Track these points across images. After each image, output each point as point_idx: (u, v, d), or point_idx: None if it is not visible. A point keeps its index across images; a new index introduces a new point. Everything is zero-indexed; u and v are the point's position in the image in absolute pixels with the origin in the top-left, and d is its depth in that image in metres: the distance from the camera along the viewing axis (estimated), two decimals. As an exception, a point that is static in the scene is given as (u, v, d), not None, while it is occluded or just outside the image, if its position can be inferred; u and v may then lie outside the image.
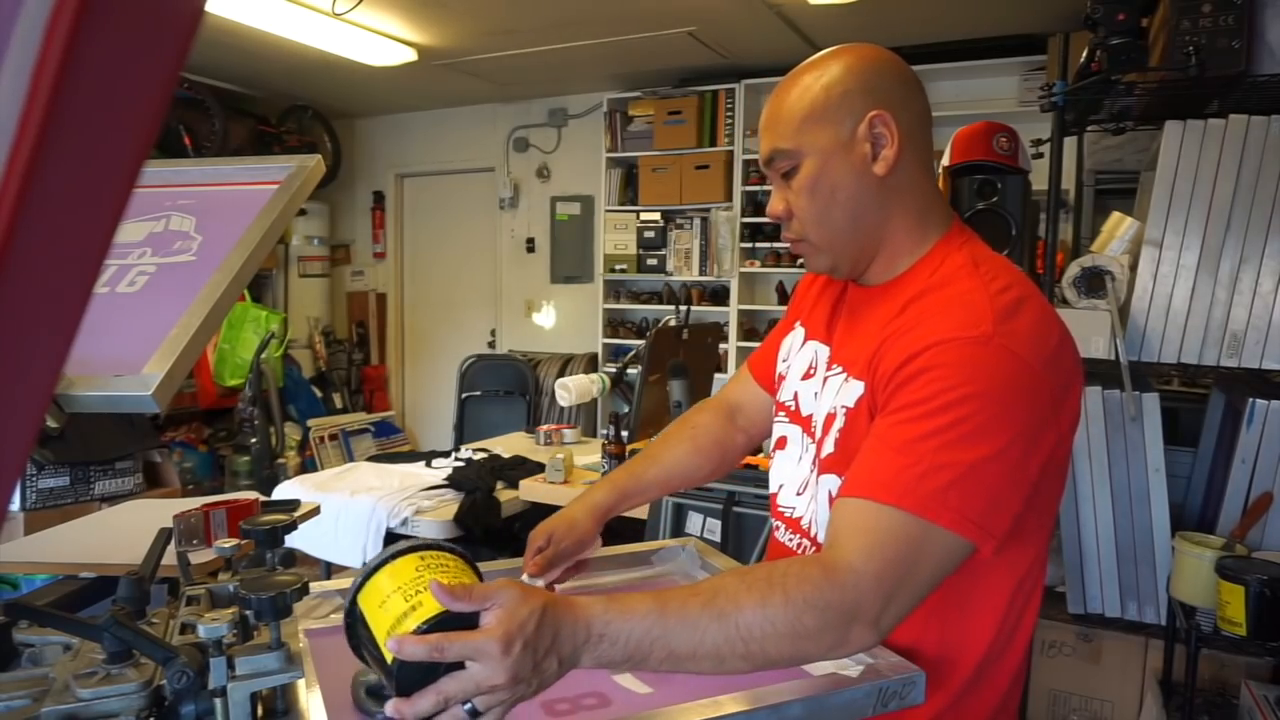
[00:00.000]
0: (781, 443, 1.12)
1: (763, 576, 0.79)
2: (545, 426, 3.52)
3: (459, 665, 0.67)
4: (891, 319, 0.94)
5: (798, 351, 1.13)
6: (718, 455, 1.28)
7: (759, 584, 0.78)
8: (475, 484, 2.70)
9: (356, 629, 0.73)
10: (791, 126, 0.95)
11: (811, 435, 1.05)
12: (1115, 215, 2.06)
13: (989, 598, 0.94)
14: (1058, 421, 0.87)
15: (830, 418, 0.99)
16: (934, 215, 1.00)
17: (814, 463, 1.03)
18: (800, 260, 1.07)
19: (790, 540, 1.08)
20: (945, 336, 0.85)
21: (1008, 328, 0.84)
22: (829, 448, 0.98)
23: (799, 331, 1.15)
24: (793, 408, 1.10)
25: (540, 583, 1.08)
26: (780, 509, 1.11)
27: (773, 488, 1.14)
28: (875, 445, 0.86)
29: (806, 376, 1.09)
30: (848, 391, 0.97)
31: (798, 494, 1.07)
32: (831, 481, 0.98)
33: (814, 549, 1.02)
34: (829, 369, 1.04)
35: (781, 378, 1.15)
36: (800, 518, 1.06)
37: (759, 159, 1.01)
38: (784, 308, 5.11)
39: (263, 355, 4.25)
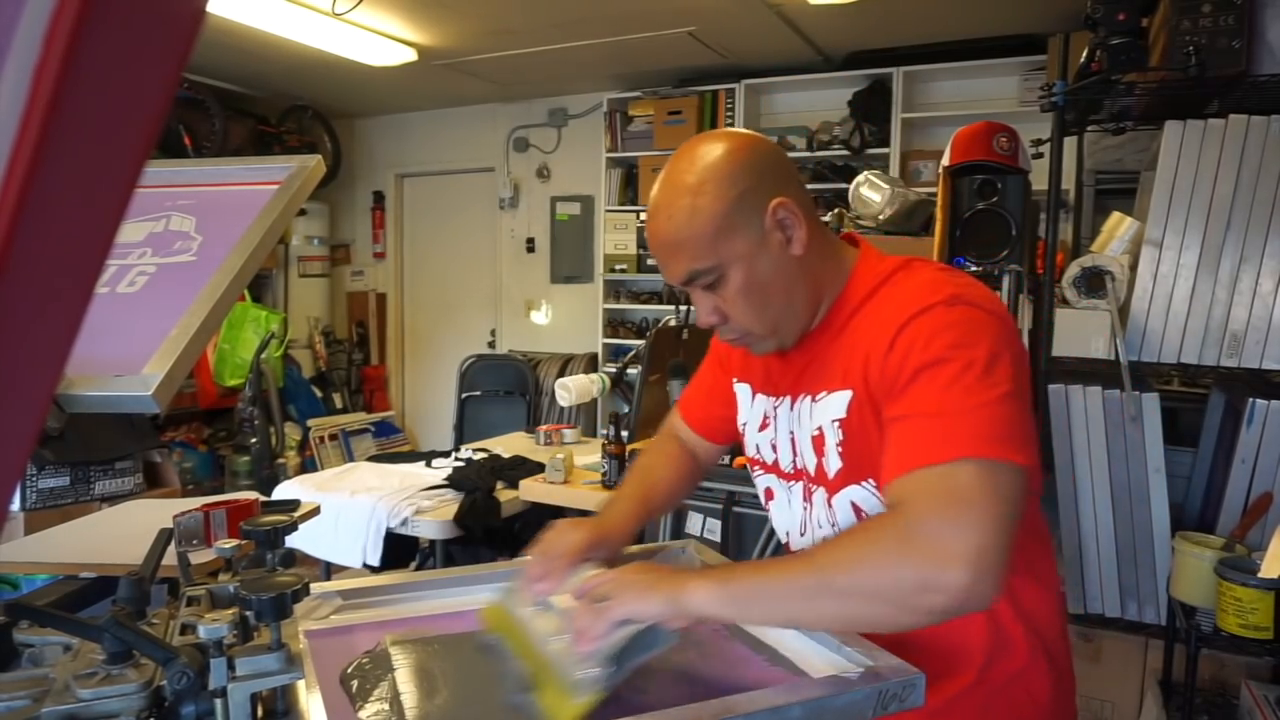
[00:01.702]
0: (769, 494, 1.16)
1: (844, 533, 0.86)
2: (545, 426, 3.52)
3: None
4: (841, 331, 1.01)
5: (750, 407, 1.16)
6: (690, 484, 1.33)
7: (842, 537, 0.86)
8: (475, 484, 2.70)
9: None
10: (703, 244, 0.95)
11: (791, 478, 1.09)
12: (1115, 215, 2.07)
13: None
14: (1026, 360, 0.94)
15: (818, 439, 1.02)
16: (838, 251, 1.05)
17: (806, 497, 1.07)
18: None
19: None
20: (918, 308, 0.91)
21: (962, 291, 0.93)
22: (835, 464, 1.00)
23: (743, 388, 1.18)
24: (763, 460, 1.15)
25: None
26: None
27: (782, 538, 1.17)
28: (905, 422, 0.89)
29: (763, 428, 1.13)
30: (830, 406, 1.00)
31: (801, 535, 1.11)
32: (854, 492, 1.00)
33: None
34: (790, 403, 1.07)
35: (742, 433, 1.19)
36: None
37: (670, 281, 1.02)
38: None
39: (263, 355, 4.25)
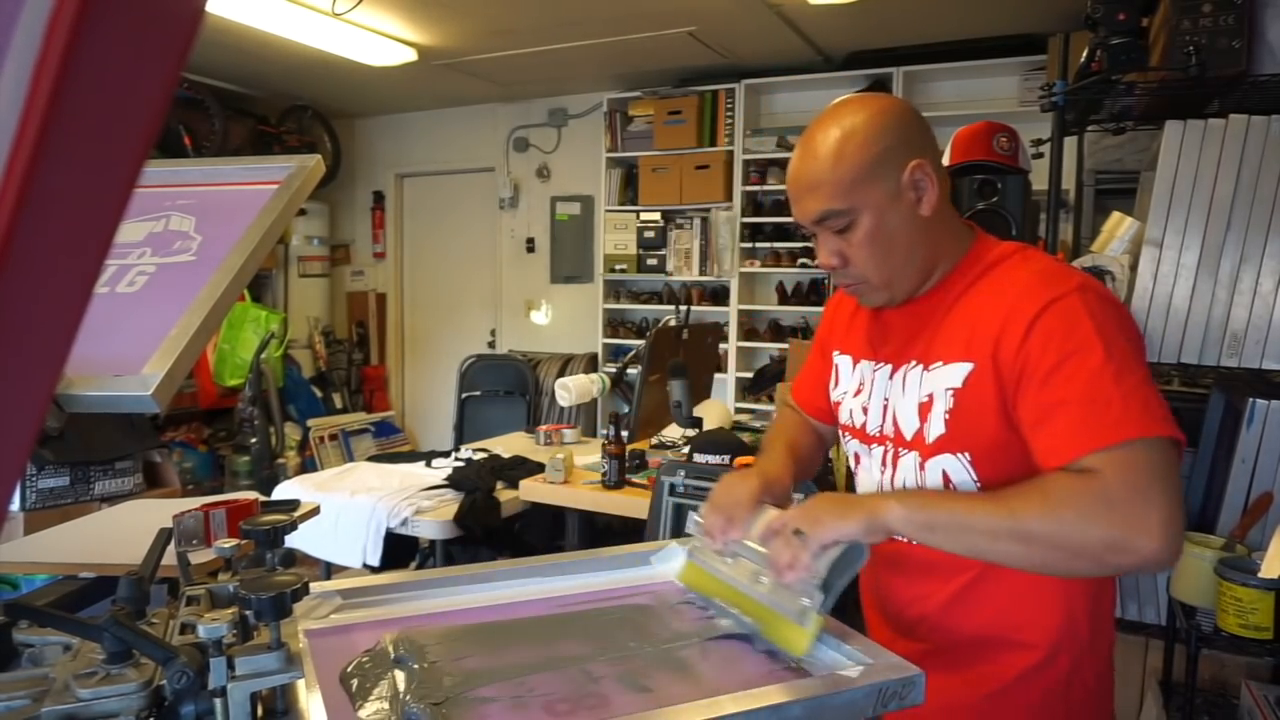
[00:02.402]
0: (857, 459, 1.21)
1: (1031, 485, 0.92)
2: (545, 426, 3.52)
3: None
4: (955, 303, 1.06)
5: (850, 376, 1.21)
6: (820, 456, 1.38)
7: (1028, 487, 0.92)
8: (475, 484, 2.70)
9: None
10: (842, 187, 1.01)
11: (874, 440, 1.15)
12: (1115, 215, 2.06)
13: None
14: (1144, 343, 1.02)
15: (925, 405, 1.06)
16: (961, 228, 1.12)
17: (886, 461, 1.13)
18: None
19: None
20: (1052, 296, 0.96)
21: (1088, 280, 0.99)
22: (938, 430, 1.04)
23: (844, 359, 1.23)
24: (853, 424, 1.19)
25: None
26: None
27: None
28: (1061, 407, 0.93)
29: (857, 393, 1.18)
30: (947, 375, 1.04)
31: None
32: (948, 461, 1.04)
33: None
34: (891, 368, 1.12)
35: (838, 404, 1.24)
36: None
37: (800, 219, 1.07)
38: (785, 308, 5.06)
39: (263, 355, 4.25)
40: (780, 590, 0.94)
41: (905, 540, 1.07)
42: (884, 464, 1.13)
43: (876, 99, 1.07)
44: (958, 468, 1.04)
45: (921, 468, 1.07)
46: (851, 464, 1.23)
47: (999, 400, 0.99)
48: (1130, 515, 0.86)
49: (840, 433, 1.26)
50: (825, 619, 0.90)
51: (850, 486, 1.27)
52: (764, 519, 1.02)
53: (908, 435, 1.09)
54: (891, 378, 1.12)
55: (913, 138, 1.04)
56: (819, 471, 1.42)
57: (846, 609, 1.12)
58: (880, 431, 1.14)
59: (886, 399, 1.12)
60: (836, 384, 1.24)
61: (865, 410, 1.16)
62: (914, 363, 1.09)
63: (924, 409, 1.06)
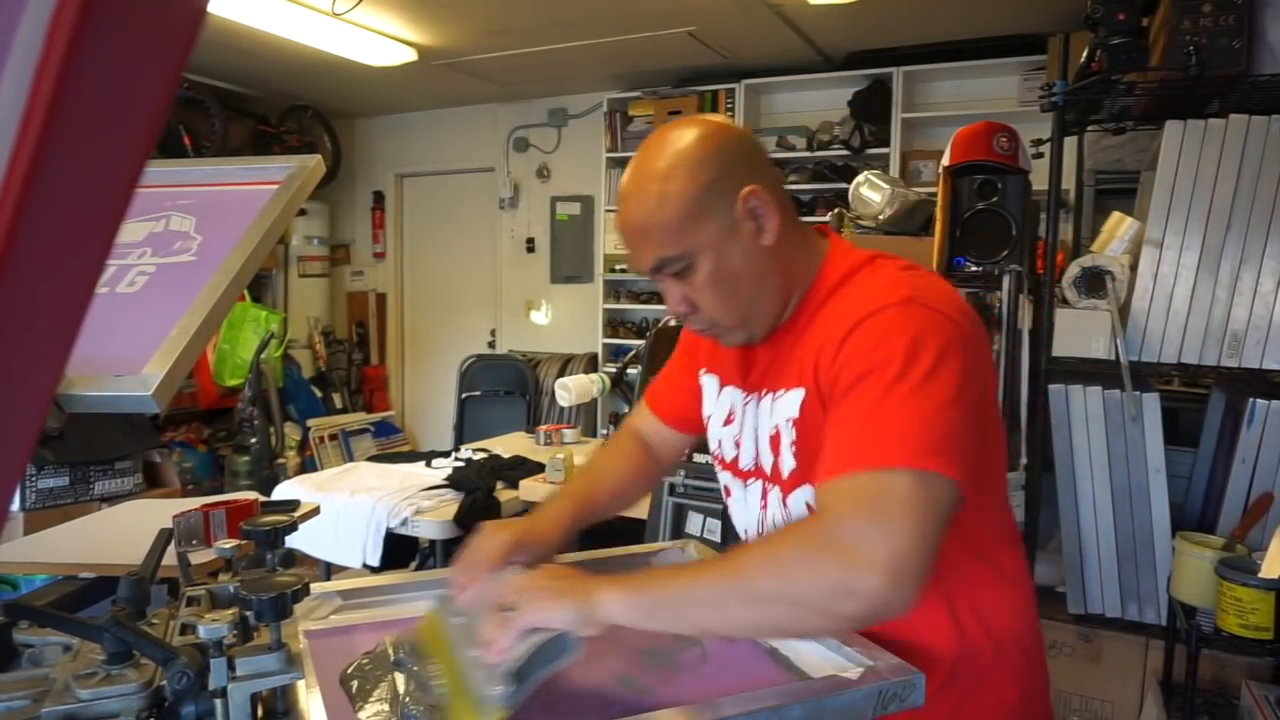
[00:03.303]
0: (728, 492, 1.14)
1: (763, 538, 0.85)
2: (545, 426, 3.52)
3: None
4: (805, 328, 0.98)
5: (716, 399, 1.14)
6: (643, 484, 1.31)
7: (758, 542, 0.85)
8: (475, 484, 2.70)
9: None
10: (671, 232, 0.94)
11: (747, 476, 1.08)
12: (1115, 215, 2.06)
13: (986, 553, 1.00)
14: (986, 365, 0.93)
15: (775, 439, 1.00)
16: (810, 243, 1.03)
17: (763, 497, 1.05)
18: None
19: None
20: (870, 309, 0.89)
21: (921, 292, 0.91)
22: (789, 464, 0.99)
23: (710, 379, 1.16)
24: (725, 457, 1.12)
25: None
26: None
27: (742, 536, 1.14)
28: (841, 425, 0.87)
29: (727, 423, 1.11)
30: (786, 405, 0.98)
31: (759, 534, 1.09)
32: (809, 493, 0.98)
33: None
34: (756, 399, 1.05)
35: (707, 425, 1.17)
36: None
37: (637, 270, 1.00)
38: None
39: (263, 355, 4.25)
40: (480, 668, 0.83)
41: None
42: (762, 501, 1.06)
43: (695, 126, 0.96)
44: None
45: (784, 504, 1.01)
46: (724, 496, 1.16)
47: (827, 422, 0.91)
48: (852, 552, 0.77)
49: (712, 462, 1.17)
50: (509, 712, 0.78)
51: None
52: (497, 584, 0.91)
53: (768, 470, 1.02)
54: (757, 405, 1.04)
55: (738, 164, 0.95)
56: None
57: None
58: (754, 465, 1.06)
59: (756, 430, 1.04)
60: (704, 404, 1.17)
61: (737, 444, 1.08)
62: (765, 391, 1.02)
63: (774, 441, 1.00)
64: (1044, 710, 1.07)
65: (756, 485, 1.07)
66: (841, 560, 0.78)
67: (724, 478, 1.14)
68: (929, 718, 0.95)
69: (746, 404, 1.07)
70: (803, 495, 0.99)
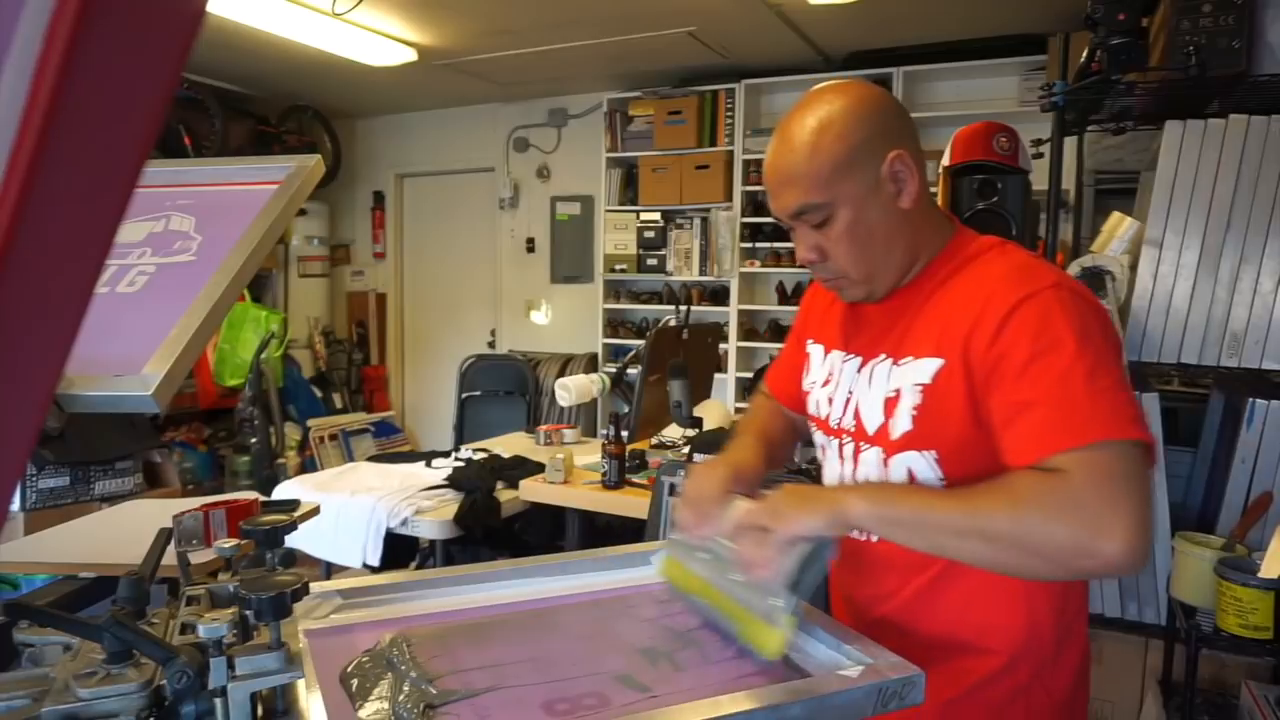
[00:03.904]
0: (823, 450, 1.20)
1: (996, 484, 0.89)
2: (545, 426, 3.52)
3: None
4: (930, 296, 1.04)
5: (820, 365, 1.19)
6: (794, 443, 1.37)
7: (991, 486, 0.89)
8: (475, 484, 2.70)
9: None
10: (820, 180, 0.99)
11: (834, 433, 1.13)
12: (1115, 215, 2.06)
13: None
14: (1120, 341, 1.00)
15: (891, 401, 1.04)
16: (939, 218, 1.09)
17: (842, 454, 1.11)
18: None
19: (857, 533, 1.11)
20: (1025, 293, 0.94)
21: (1065, 278, 0.97)
22: (904, 426, 1.03)
23: (816, 348, 1.22)
24: (818, 415, 1.18)
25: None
26: None
27: None
28: (1035, 402, 0.91)
29: (825, 384, 1.16)
30: (915, 371, 1.02)
31: None
32: (913, 458, 1.02)
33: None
34: (861, 361, 1.10)
35: (807, 393, 1.22)
36: None
37: (778, 212, 1.05)
38: (785, 308, 5.06)
39: (263, 355, 4.25)
40: (751, 588, 0.92)
41: (865, 538, 1.07)
42: (842, 457, 1.12)
43: (854, 87, 1.03)
44: (923, 465, 1.02)
45: (885, 464, 1.05)
46: (819, 455, 1.22)
47: (968, 398, 0.97)
48: (1096, 518, 0.84)
49: (808, 423, 1.24)
50: (798, 618, 0.89)
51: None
52: (733, 513, 1.00)
53: (870, 430, 1.07)
54: (860, 371, 1.10)
55: (891, 128, 1.01)
56: (810, 465, 1.41)
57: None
58: (839, 425, 1.12)
59: (851, 392, 1.10)
60: (808, 373, 1.23)
61: (830, 401, 1.14)
62: (883, 356, 1.06)
63: (890, 404, 1.04)
64: (1085, 716, 1.11)
65: (835, 443, 1.12)
66: (1087, 525, 0.84)
67: (818, 436, 1.20)
68: (987, 700, 1.02)
69: (845, 364, 1.13)
70: (906, 460, 1.03)
